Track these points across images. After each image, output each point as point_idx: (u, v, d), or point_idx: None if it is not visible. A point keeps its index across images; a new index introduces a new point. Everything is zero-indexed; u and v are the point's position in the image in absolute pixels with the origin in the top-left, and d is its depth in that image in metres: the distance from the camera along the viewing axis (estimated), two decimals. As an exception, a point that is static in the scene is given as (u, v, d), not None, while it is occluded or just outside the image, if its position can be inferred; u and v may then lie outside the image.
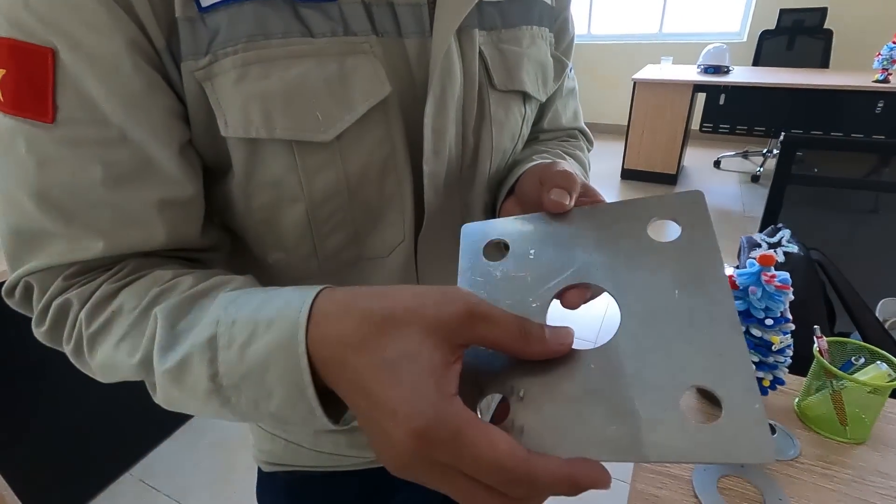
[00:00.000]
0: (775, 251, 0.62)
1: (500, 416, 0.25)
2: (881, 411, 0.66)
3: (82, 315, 0.32)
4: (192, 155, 0.35)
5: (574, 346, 0.26)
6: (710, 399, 0.26)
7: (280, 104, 0.32)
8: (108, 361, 0.32)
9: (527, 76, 0.45)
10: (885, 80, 2.84)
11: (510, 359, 0.26)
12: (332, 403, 0.26)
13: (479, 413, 0.25)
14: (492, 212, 0.48)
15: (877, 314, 1.04)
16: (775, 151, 3.96)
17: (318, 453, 0.53)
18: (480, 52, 0.40)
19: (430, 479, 0.23)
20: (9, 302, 0.36)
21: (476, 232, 0.32)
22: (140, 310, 0.31)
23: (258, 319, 0.26)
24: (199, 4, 0.30)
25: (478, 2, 0.37)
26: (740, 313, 0.64)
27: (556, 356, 0.25)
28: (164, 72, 0.31)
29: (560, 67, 0.52)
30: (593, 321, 2.14)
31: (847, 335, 1.06)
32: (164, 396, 0.30)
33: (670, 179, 3.63)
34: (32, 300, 0.34)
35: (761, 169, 3.77)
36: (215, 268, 0.39)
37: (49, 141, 0.30)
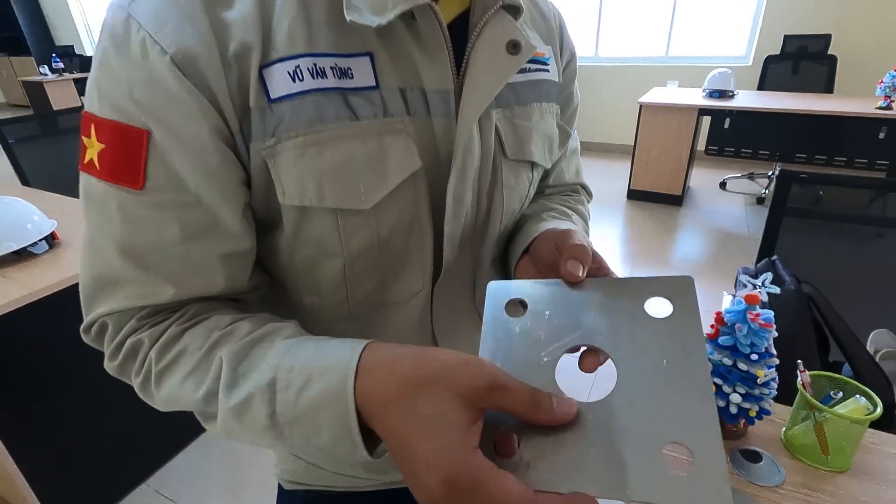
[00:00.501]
0: (760, 290, 0.67)
1: (504, 448, 0.30)
2: (862, 441, 0.70)
3: (152, 353, 0.37)
4: (250, 214, 0.41)
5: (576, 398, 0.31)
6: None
7: (330, 178, 0.38)
8: (173, 395, 0.37)
9: (535, 147, 0.51)
10: (888, 107, 2.88)
11: None
12: (369, 439, 0.31)
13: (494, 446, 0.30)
14: (501, 264, 0.54)
15: (869, 344, 1.08)
16: (781, 174, 4.01)
17: (336, 475, 0.58)
18: (496, 128, 0.46)
19: None
20: (84, 338, 0.42)
21: (500, 289, 0.37)
22: (204, 351, 0.36)
23: (313, 367, 0.32)
24: (268, 96, 0.36)
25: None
26: (728, 348, 0.69)
27: (560, 424, 0.29)
28: (235, 148, 0.37)
29: (564, 135, 0.58)
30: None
31: (840, 364, 1.10)
32: (223, 428, 0.35)
33: (676, 200, 3.67)
34: (105, 337, 0.40)
35: (766, 191, 3.81)
36: (253, 305, 0.45)
37: (137, 204, 0.36)
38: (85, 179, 0.37)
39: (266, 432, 0.33)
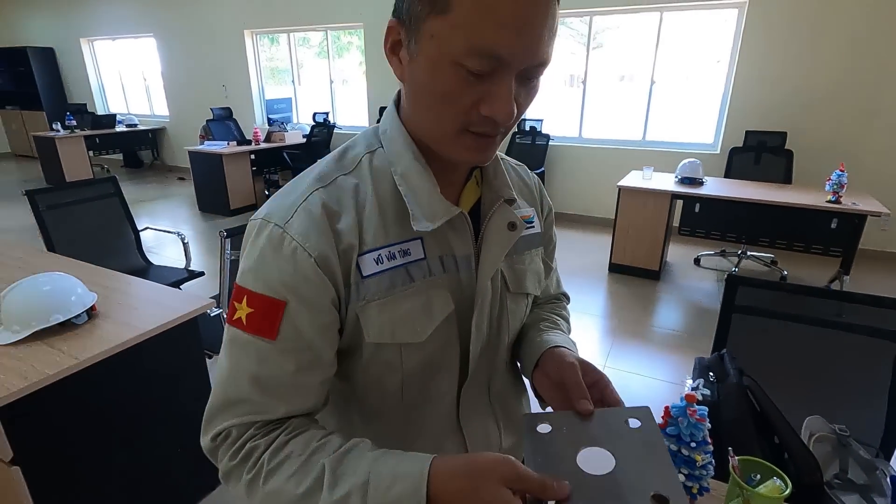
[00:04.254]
0: (697, 390, 0.87)
1: None
2: (782, 515, 0.88)
3: (266, 455, 0.52)
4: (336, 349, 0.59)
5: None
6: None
7: (398, 324, 0.58)
8: (276, 489, 0.49)
9: (529, 282, 0.72)
10: (837, 202, 3.22)
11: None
12: None
13: None
14: (512, 368, 0.73)
15: (804, 428, 1.27)
16: (749, 253, 4.32)
17: None
18: (501, 273, 0.67)
19: None
20: (208, 443, 0.56)
21: (531, 418, 0.54)
22: (305, 456, 0.51)
23: (396, 474, 0.46)
24: (361, 274, 0.56)
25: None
26: (673, 436, 0.87)
27: (559, 499, 0.44)
28: (339, 308, 0.56)
29: (548, 269, 0.80)
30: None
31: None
32: None
33: (654, 275, 3.93)
34: (227, 442, 0.54)
35: (736, 269, 4.10)
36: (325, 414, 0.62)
37: (269, 349, 0.54)
38: (232, 331, 0.56)
39: None
